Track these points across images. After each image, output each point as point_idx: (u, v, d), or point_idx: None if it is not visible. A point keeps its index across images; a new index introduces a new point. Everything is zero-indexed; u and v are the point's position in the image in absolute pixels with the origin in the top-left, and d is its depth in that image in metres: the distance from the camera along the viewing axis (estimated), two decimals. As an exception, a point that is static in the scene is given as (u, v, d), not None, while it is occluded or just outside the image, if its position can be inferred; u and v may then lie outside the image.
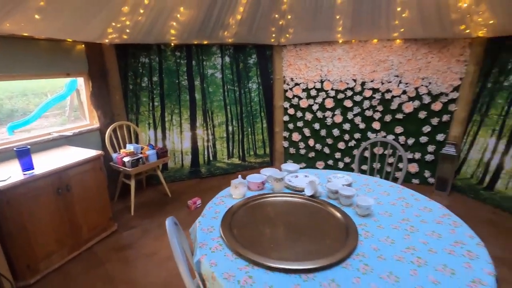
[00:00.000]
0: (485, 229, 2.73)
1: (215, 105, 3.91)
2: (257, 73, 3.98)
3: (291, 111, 4.09)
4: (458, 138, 3.39)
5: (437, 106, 3.40)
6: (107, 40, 2.96)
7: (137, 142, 3.53)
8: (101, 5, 2.30)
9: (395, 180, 2.40)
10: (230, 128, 4.05)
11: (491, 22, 2.65)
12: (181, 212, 3.07)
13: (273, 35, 3.54)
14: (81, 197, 2.40)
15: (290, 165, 2.01)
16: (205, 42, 3.56)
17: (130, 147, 3.07)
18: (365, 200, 1.46)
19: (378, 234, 1.29)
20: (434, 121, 3.44)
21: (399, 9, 2.74)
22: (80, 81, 3.12)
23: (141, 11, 2.60)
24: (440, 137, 3.47)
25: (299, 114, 4.05)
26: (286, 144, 4.26)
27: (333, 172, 1.99)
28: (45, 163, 2.26)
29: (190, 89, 3.73)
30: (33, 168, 2.10)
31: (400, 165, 3.72)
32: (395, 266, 1.09)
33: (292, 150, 4.25)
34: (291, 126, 4.15)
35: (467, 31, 2.90)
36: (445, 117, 3.40)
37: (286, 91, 4.06)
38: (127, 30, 2.84)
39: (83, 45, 2.96)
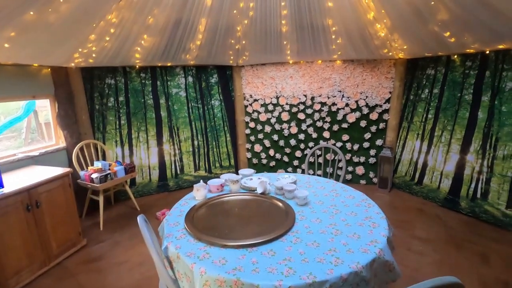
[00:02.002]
0: (415, 216, 3.26)
1: (181, 122, 4.17)
2: (219, 91, 4.33)
3: (252, 124, 4.47)
4: (393, 142, 3.99)
5: (374, 116, 3.98)
6: (73, 64, 3.14)
7: (104, 159, 3.66)
8: (69, 35, 2.53)
9: (345, 182, 2.82)
10: (195, 142, 4.32)
11: (405, 47, 3.29)
12: (151, 223, 3.23)
13: (231, 57, 3.94)
14: (50, 213, 2.51)
15: (246, 170, 2.35)
16: (169, 64, 3.86)
17: (98, 164, 3.21)
18: (302, 192, 1.83)
19: (311, 217, 1.66)
20: (373, 128, 4.02)
21: (333, 36, 3.28)
22: (45, 102, 3.23)
23: (107, 38, 2.85)
24: (379, 142, 4.05)
25: (259, 127, 4.44)
26: (249, 155, 4.62)
27: (282, 174, 2.36)
28: (14, 181, 2.36)
29: (155, 107, 3.97)
30: (2, 187, 2.20)
31: (350, 168, 4.24)
32: (319, 237, 1.44)
33: (255, 161, 4.61)
34: (252, 138, 4.52)
35: (390, 53, 3.53)
36: (381, 125, 4.00)
37: (246, 106, 4.45)
38: (93, 55, 3.06)
39: (49, 69, 3.11)
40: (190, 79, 4.12)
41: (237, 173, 4.63)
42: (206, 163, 4.44)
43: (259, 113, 4.41)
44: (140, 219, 1.45)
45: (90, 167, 3.15)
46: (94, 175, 3.02)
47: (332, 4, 2.77)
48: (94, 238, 2.98)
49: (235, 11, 2.98)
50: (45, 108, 3.37)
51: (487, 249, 2.58)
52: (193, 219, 1.65)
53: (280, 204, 1.80)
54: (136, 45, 3.14)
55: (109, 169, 3.20)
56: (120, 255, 2.67)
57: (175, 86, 4.06)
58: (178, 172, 4.26)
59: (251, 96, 4.38)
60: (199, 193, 1.93)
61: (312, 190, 2.05)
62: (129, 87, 3.77)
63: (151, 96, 3.93)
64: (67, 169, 2.67)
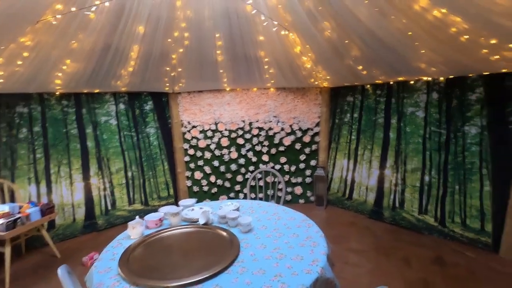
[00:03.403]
0: (348, 229, 3.54)
1: (111, 152, 3.83)
2: (155, 118, 4.16)
3: (191, 151, 4.37)
4: (325, 162, 4.34)
5: (307, 139, 4.31)
6: (-29, 91, 2.66)
7: (13, 201, 3.08)
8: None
9: (285, 203, 2.91)
10: (129, 173, 3.99)
11: (328, 77, 3.72)
12: (75, 271, 2.79)
13: (167, 84, 3.87)
14: None
15: (187, 201, 2.25)
16: (97, 91, 3.58)
17: (4, 208, 2.69)
18: (245, 219, 1.83)
19: (255, 243, 1.66)
20: (307, 150, 4.33)
21: (266, 66, 3.52)
22: None
23: (19, 62, 2.53)
24: (313, 162, 4.36)
25: (199, 153, 4.37)
26: (189, 183, 4.45)
27: (225, 201, 2.33)
28: None
29: (81, 137, 3.58)
30: None
31: (289, 189, 4.43)
32: (264, 264, 1.45)
33: (195, 188, 4.46)
34: (192, 165, 4.40)
35: (316, 83, 3.93)
36: (314, 147, 4.34)
37: (184, 133, 4.35)
38: (0, 80, 2.65)
39: None
40: (121, 106, 3.87)
41: (177, 204, 4.41)
42: (142, 195, 4.12)
43: (198, 139, 4.35)
44: (61, 271, 1.25)
45: (-8, 212, 2.61)
46: (-2, 222, 2.51)
47: (263, 38, 3.00)
48: (-3, 301, 2.42)
49: (169, 40, 2.98)
50: None
51: (408, 253, 2.93)
52: (129, 261, 1.49)
53: (224, 233, 1.76)
54: (57, 70, 2.85)
55: (20, 212, 2.71)
56: (33, 317, 2.22)
57: (105, 114, 3.75)
58: (109, 207, 3.84)
59: (189, 122, 4.31)
60: (134, 231, 1.76)
61: (255, 216, 2.06)
62: (47, 115, 3.34)
63: (75, 125, 3.54)
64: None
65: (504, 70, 2.57)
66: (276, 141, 4.32)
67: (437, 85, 3.10)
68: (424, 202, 3.32)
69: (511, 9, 1.64)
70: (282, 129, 4.31)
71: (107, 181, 3.82)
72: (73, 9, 2.08)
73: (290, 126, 4.30)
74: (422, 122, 3.26)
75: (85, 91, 3.50)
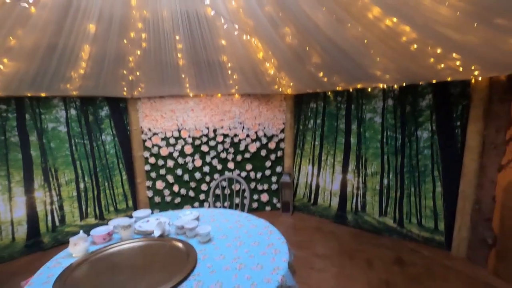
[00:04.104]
0: (314, 235, 3.54)
1: (60, 162, 3.49)
2: (111, 125, 3.89)
3: (152, 160, 4.13)
4: (290, 168, 4.36)
5: (272, 145, 4.30)
6: None
7: None
8: None
9: (252, 210, 2.82)
10: (81, 185, 3.65)
11: (291, 84, 3.76)
12: (11, 299, 2.44)
13: (125, 89, 3.65)
14: None
15: (141, 211, 2.08)
16: (43, 95, 3.26)
17: None
18: (204, 228, 1.72)
19: (214, 254, 1.55)
20: (272, 156, 4.32)
21: (230, 72, 3.47)
22: None
23: None
24: (278, 169, 4.35)
25: (161, 162, 4.15)
26: (150, 193, 4.20)
27: (183, 211, 2.20)
28: None
29: (23, 146, 3.21)
30: None
31: (256, 196, 4.36)
32: (223, 275, 1.35)
33: (157, 199, 4.21)
34: (153, 175, 4.16)
35: (280, 89, 3.96)
36: (279, 153, 4.34)
37: (145, 141, 4.12)
38: None
39: None
40: (73, 112, 3.56)
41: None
42: (97, 208, 3.79)
43: (159, 147, 4.13)
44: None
45: None
46: None
47: (225, 42, 2.95)
48: None
49: (125, 41, 2.81)
50: None
51: (371, 255, 2.99)
52: (66, 284, 1.30)
53: (181, 245, 1.63)
54: (-8, 70, 2.53)
55: None
56: None
57: (53, 120, 3.42)
58: (57, 223, 3.47)
59: (150, 129, 4.10)
60: (77, 248, 1.57)
61: (216, 224, 1.96)
62: (-18, 122, 2.96)
63: (16, 133, 3.17)
64: None
65: (449, 79, 2.77)
66: (242, 148, 4.25)
67: (392, 92, 3.27)
68: (383, 204, 3.44)
69: (453, 19, 1.76)
70: (248, 136, 4.26)
71: (54, 194, 3.45)
72: (8, 0, 1.86)
73: (256, 132, 4.27)
74: (379, 127, 3.40)
75: (29, 94, 3.16)
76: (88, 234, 1.74)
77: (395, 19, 2.07)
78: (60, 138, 3.49)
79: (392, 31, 2.21)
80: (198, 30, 2.76)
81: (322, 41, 2.56)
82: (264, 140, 4.28)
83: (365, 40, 2.43)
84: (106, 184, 3.87)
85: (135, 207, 4.14)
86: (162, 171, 4.17)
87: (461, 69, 2.47)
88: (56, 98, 3.42)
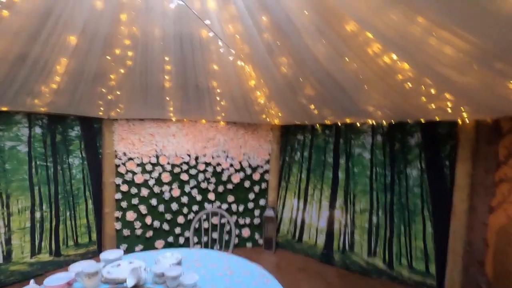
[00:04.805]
0: (299, 276, 3.27)
1: (15, 186, 3.02)
2: (81, 147, 3.50)
3: (124, 187, 3.74)
4: (274, 202, 4.14)
5: (256, 176, 4.10)
6: None
7: None
8: None
9: (233, 247, 2.52)
10: (37, 214, 3.16)
11: (280, 114, 3.68)
12: None
13: (101, 109, 3.35)
14: None
15: (111, 253, 1.74)
16: (4, 109, 2.87)
17: None
18: (190, 278, 1.43)
19: (202, 312, 1.27)
20: (256, 188, 4.10)
21: (218, 98, 3.33)
22: None
23: None
24: (262, 202, 4.12)
25: (134, 190, 3.76)
26: (118, 225, 3.73)
27: (163, 252, 1.88)
28: None
29: (-30, 166, 2.75)
30: None
31: (236, 231, 4.04)
32: None
33: (126, 232, 3.75)
34: (124, 204, 3.74)
35: (268, 119, 3.86)
36: (263, 185, 4.13)
37: (118, 166, 3.74)
38: None
39: None
40: (37, 130, 3.16)
41: (99, 251, 3.61)
42: (53, 241, 3.26)
43: (134, 173, 3.77)
44: None
45: None
46: None
47: (217, 68, 2.83)
48: None
49: (108, 57, 2.59)
50: None
51: (363, 301, 2.77)
52: None
53: (160, 300, 1.32)
54: None
55: None
56: None
57: (12, 138, 3.00)
58: (1, 261, 2.91)
59: (125, 154, 3.75)
60: (23, 305, 1.21)
61: (202, 271, 1.66)
62: None
63: (-36, 151, 2.72)
64: None
65: (437, 118, 2.82)
66: (224, 178, 4.01)
67: (381, 129, 3.27)
68: (373, 244, 3.29)
69: (455, 60, 1.77)
70: (231, 165, 4.04)
71: (3, 225, 2.93)
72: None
73: (240, 162, 4.06)
74: (368, 163, 3.35)
75: (-13, 108, 2.78)
76: (41, 284, 1.38)
77: (394, 56, 2.07)
78: (18, 159, 3.04)
79: (390, 68, 2.21)
80: (190, 53, 2.62)
81: (318, 73, 2.52)
82: (249, 171, 4.07)
83: (361, 76, 2.43)
84: (68, 213, 3.39)
85: (100, 241, 3.64)
86: (135, 201, 3.77)
87: (449, 110, 2.52)
88: (19, 114, 3.03)
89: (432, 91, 2.31)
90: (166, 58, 2.67)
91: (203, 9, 2.20)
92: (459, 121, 2.78)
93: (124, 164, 3.75)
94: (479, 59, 1.70)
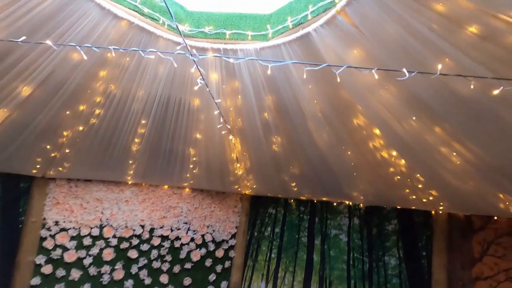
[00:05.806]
0: None
1: None
2: (-5, 213, 2.63)
3: (47, 268, 2.84)
4: (238, 284, 3.59)
5: (220, 253, 3.57)
6: None
7: None
8: None
9: None
10: None
11: (254, 186, 3.41)
12: None
13: (38, 166, 2.64)
14: None
15: None
16: None
17: None
18: None
19: None
20: (218, 268, 3.54)
21: (191, 166, 2.95)
22: None
23: None
24: (224, 284, 3.53)
25: (61, 272, 2.88)
26: (27, 324, 2.72)
27: None
28: None
29: None
30: None
31: (189, 324, 3.30)
32: None
33: (37, 334, 2.73)
34: (42, 293, 2.80)
35: (239, 189, 3.54)
36: (227, 263, 3.60)
37: (44, 239, 2.89)
38: None
39: None
40: None
41: None
42: None
43: (65, 249, 2.93)
44: None
45: None
46: None
47: (200, 136, 2.52)
48: None
49: (68, 112, 2.09)
50: None
51: None
52: None
53: None
54: None
55: None
56: None
57: None
58: None
59: (57, 223, 2.94)
60: None
61: None
62: None
63: None
64: None
65: (413, 207, 2.87)
66: (183, 255, 3.39)
67: (357, 211, 3.22)
68: None
69: (461, 168, 1.81)
70: (192, 240, 3.47)
71: None
72: None
73: (202, 236, 3.53)
74: (345, 246, 3.19)
75: None
76: None
77: (394, 153, 2.07)
78: None
79: (385, 161, 2.20)
80: (172, 118, 2.29)
81: (312, 156, 2.40)
82: (212, 247, 3.54)
83: (352, 163, 2.38)
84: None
85: None
86: (59, 287, 2.86)
87: (425, 200, 2.59)
88: None
89: (420, 186, 2.34)
90: (143, 121, 2.28)
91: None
92: (433, 212, 2.88)
93: (53, 236, 2.92)
94: (483, 171, 1.76)
